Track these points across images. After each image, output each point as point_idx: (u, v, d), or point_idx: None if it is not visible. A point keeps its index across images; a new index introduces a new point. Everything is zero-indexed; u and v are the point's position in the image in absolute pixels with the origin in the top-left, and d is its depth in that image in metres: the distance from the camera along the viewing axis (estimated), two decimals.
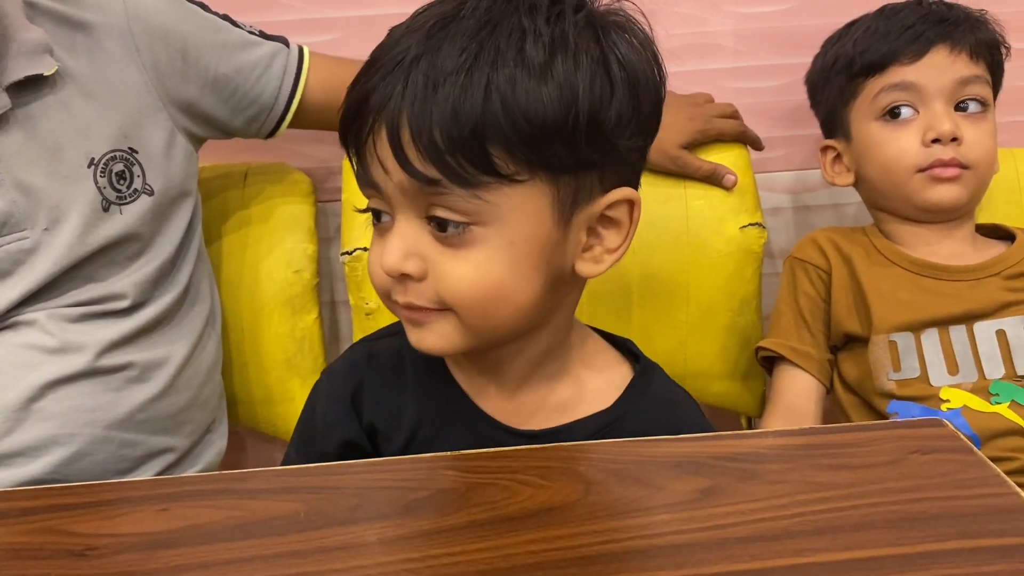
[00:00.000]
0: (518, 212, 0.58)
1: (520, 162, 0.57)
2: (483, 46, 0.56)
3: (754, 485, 0.57)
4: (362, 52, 1.09)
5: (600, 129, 0.58)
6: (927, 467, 0.59)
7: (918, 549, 0.51)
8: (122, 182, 0.95)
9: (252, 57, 1.02)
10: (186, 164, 1.02)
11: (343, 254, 1.09)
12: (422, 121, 0.56)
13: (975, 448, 0.60)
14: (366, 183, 0.61)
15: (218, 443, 1.09)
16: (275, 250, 1.14)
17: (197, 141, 1.04)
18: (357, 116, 0.59)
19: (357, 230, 1.09)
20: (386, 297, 0.63)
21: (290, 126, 1.08)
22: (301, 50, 1.06)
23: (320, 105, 1.07)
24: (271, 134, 1.07)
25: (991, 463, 0.59)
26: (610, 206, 0.62)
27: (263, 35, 1.05)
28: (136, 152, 0.96)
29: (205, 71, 0.99)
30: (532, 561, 0.50)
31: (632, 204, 0.62)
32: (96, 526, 0.57)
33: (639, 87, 0.60)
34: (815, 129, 1.13)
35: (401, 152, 0.57)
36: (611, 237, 0.63)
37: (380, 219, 0.62)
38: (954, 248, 1.02)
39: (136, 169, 0.96)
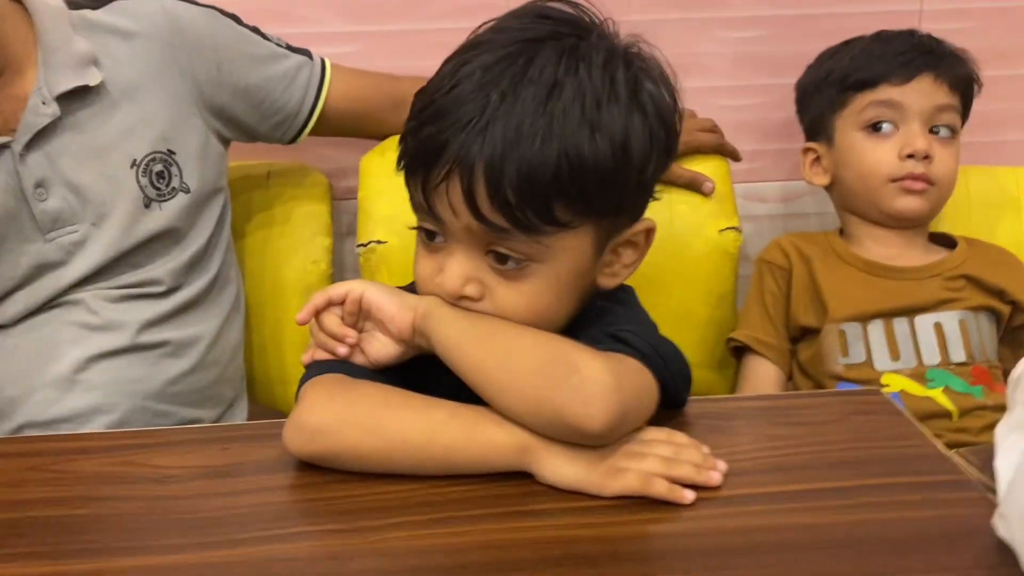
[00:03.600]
0: (568, 251, 0.65)
1: (576, 213, 0.64)
2: (553, 110, 0.61)
3: (723, 436, 0.68)
4: (379, 64, 1.23)
5: (644, 179, 0.67)
6: (863, 424, 0.70)
7: (850, 484, 0.63)
8: (161, 181, 1.05)
9: (280, 69, 1.13)
10: (218, 163, 1.12)
11: (359, 246, 1.19)
12: (498, 179, 0.61)
13: (904, 411, 0.72)
14: (428, 215, 0.66)
15: (239, 417, 1.19)
16: (295, 243, 1.24)
17: (226, 143, 1.14)
18: (430, 160, 0.63)
19: (371, 225, 1.19)
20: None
21: (311, 133, 1.18)
22: (323, 62, 1.17)
23: (340, 114, 1.18)
24: (293, 140, 1.18)
25: (917, 422, 0.71)
26: (634, 234, 0.70)
27: (290, 48, 1.15)
28: (174, 153, 1.06)
29: (237, 80, 1.09)
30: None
31: (649, 231, 0.71)
32: (170, 460, 0.68)
33: (672, 135, 0.68)
34: (799, 144, 1.25)
35: (474, 202, 0.62)
36: (628, 255, 0.71)
37: (433, 239, 0.67)
38: (905, 251, 1.16)
39: (174, 169, 1.06)
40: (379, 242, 1.18)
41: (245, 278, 1.23)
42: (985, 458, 0.65)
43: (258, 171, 1.28)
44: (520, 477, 0.63)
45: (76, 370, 1.02)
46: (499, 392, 0.63)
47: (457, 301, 0.67)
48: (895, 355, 1.09)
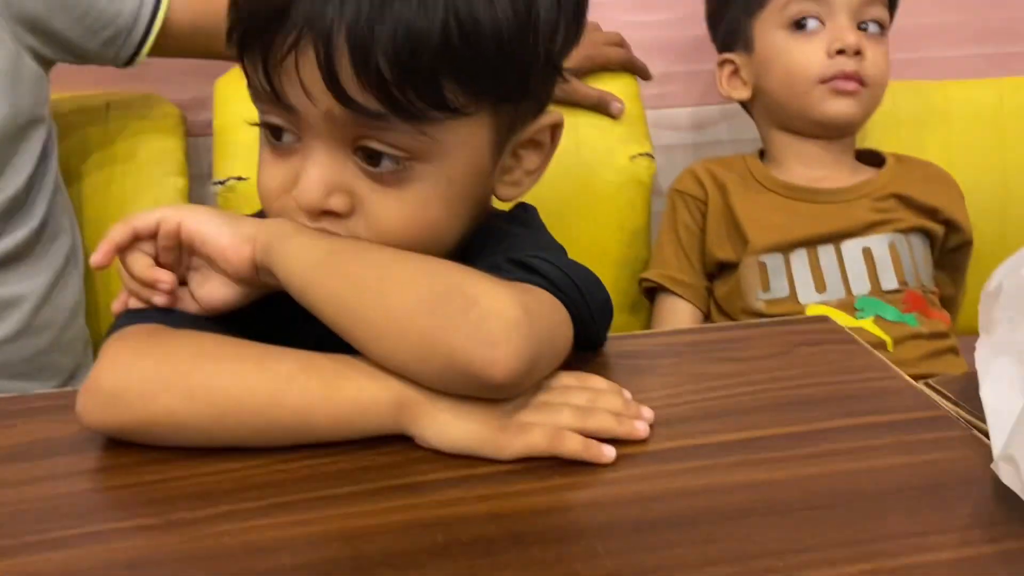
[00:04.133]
0: (461, 146, 0.52)
1: (471, 94, 0.50)
2: None
3: (647, 378, 0.56)
4: None
5: (550, 54, 0.54)
6: (814, 357, 0.59)
7: (808, 428, 0.51)
8: None
9: None
10: (35, 88, 0.94)
11: (215, 183, 1.03)
12: (367, 46, 0.48)
13: (859, 340, 0.61)
14: (273, 102, 0.51)
15: None
16: (142, 185, 1.08)
17: (46, 63, 0.95)
18: (269, 27, 0.49)
19: (230, 159, 1.03)
20: (280, 216, 0.54)
21: (152, 53, 1.00)
22: None
23: (186, 29, 1.00)
24: (130, 61, 0.99)
25: (875, 351, 0.59)
26: (538, 130, 0.57)
27: None
28: None
29: None
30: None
31: (556, 127, 0.58)
32: None
33: (580, 5, 0.55)
34: (710, 65, 1.14)
35: (335, 78, 0.48)
36: (531, 159, 0.58)
37: (281, 138, 0.53)
38: (831, 170, 1.06)
39: None
40: (239, 178, 1.02)
41: (84, 229, 1.05)
42: (959, 388, 0.54)
43: (95, 102, 1.11)
44: (392, 442, 0.49)
45: None
46: (374, 337, 0.48)
47: (318, 219, 0.52)
48: (821, 286, 1.00)
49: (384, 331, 0.48)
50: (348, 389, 0.48)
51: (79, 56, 0.97)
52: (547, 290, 0.50)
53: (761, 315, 0.99)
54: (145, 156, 1.08)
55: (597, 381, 0.52)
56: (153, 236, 0.54)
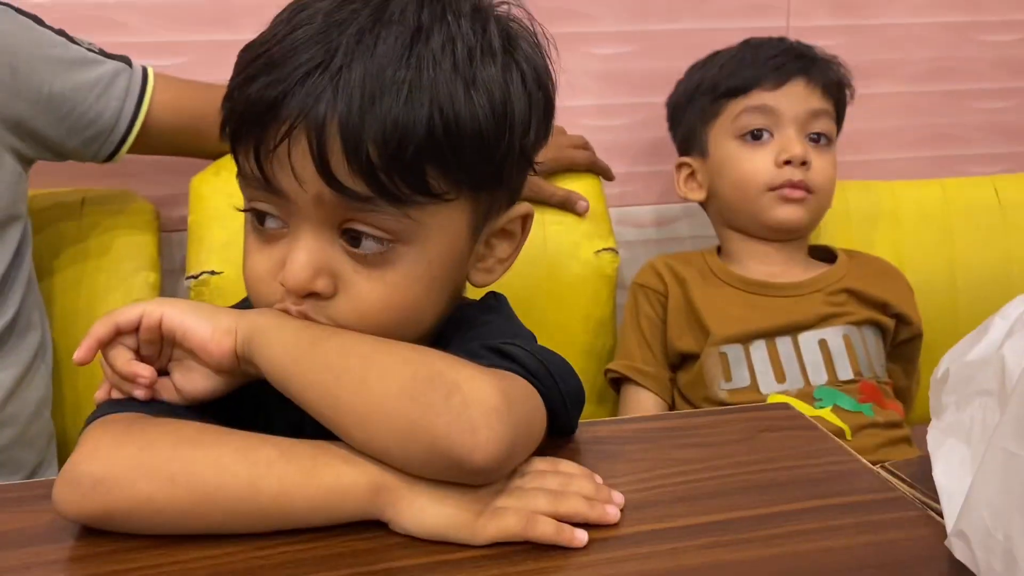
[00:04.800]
0: (440, 231, 0.54)
1: (451, 181, 0.53)
2: (421, 58, 0.51)
3: (617, 463, 0.57)
4: (212, 76, 1.09)
5: (523, 148, 0.57)
6: (776, 442, 0.61)
7: (773, 510, 0.52)
8: None
9: (91, 76, 0.97)
10: (14, 186, 0.95)
11: (188, 277, 1.04)
12: (357, 135, 0.50)
13: (819, 426, 0.63)
14: (263, 188, 0.53)
15: None
16: (114, 280, 1.08)
17: (26, 162, 0.97)
18: (263, 117, 0.51)
19: (204, 253, 1.04)
20: (269, 303, 0.56)
21: (132, 150, 1.03)
22: (145, 70, 1.02)
23: (165, 128, 1.03)
24: (110, 158, 1.02)
25: (834, 437, 0.61)
26: (510, 220, 0.60)
27: (103, 53, 1.01)
28: None
29: (39, 88, 0.94)
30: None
31: (526, 217, 0.61)
32: None
33: (550, 103, 0.59)
34: (669, 165, 1.19)
35: (326, 164, 0.50)
36: (503, 248, 0.60)
37: (265, 223, 0.55)
38: (785, 267, 1.11)
39: None
40: (213, 272, 1.03)
41: (53, 322, 1.05)
42: (913, 471, 0.56)
43: (71, 199, 1.12)
44: (368, 528, 0.50)
45: None
46: (356, 423, 0.49)
47: (302, 302, 0.54)
48: (780, 376, 1.02)
49: (366, 417, 0.49)
50: (326, 475, 0.49)
51: (59, 154, 0.99)
52: (522, 376, 0.52)
53: (724, 404, 1.01)
54: (118, 251, 1.09)
55: (569, 466, 0.53)
56: (135, 330, 0.55)
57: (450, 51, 0.52)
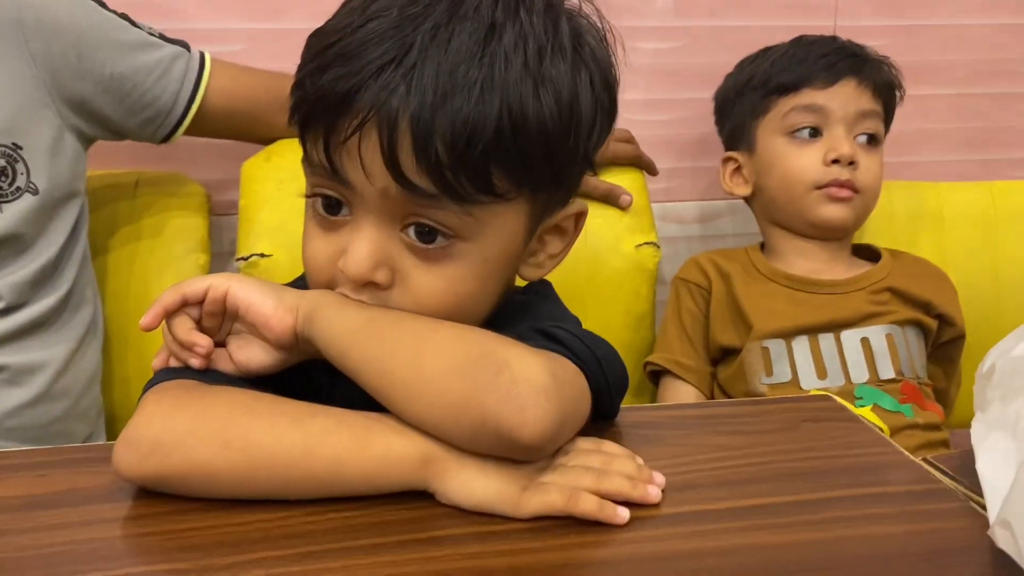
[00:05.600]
0: (499, 228, 0.55)
1: (514, 181, 0.54)
2: (494, 55, 0.51)
3: (658, 447, 0.58)
4: (269, 64, 1.11)
5: (586, 149, 0.57)
6: (817, 432, 0.61)
7: (813, 496, 0.53)
8: (3, 179, 0.91)
9: (151, 58, 1.00)
10: (74, 164, 0.98)
11: (238, 259, 1.06)
12: (428, 134, 0.50)
13: (861, 417, 0.63)
14: (331, 177, 0.54)
15: None
16: (165, 261, 1.10)
17: (87, 141, 1.00)
18: (335, 109, 0.52)
19: (253, 236, 1.07)
20: (325, 285, 0.57)
21: (187, 132, 1.05)
22: (203, 55, 1.05)
23: (220, 112, 1.05)
24: (166, 139, 1.05)
25: (876, 428, 0.62)
26: (564, 217, 0.60)
27: (163, 38, 1.03)
28: (20, 148, 0.92)
29: (101, 69, 0.96)
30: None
31: (580, 215, 0.61)
32: None
33: (614, 102, 0.59)
34: (716, 161, 1.19)
35: (395, 160, 0.51)
36: (554, 244, 0.61)
37: (335, 212, 0.56)
38: (829, 264, 1.10)
39: (20, 166, 0.92)
40: (262, 255, 1.05)
41: (105, 299, 1.08)
42: (956, 464, 0.56)
43: (125, 179, 1.15)
44: (416, 498, 0.51)
45: None
46: (409, 398, 0.51)
47: (361, 290, 0.55)
48: (821, 373, 1.02)
49: (419, 393, 0.50)
50: (377, 445, 0.50)
51: (118, 134, 1.02)
52: (569, 359, 0.53)
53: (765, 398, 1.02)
54: (170, 232, 1.12)
55: (612, 447, 0.54)
56: (200, 302, 0.56)
57: (522, 49, 0.52)
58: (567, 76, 0.54)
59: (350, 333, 0.53)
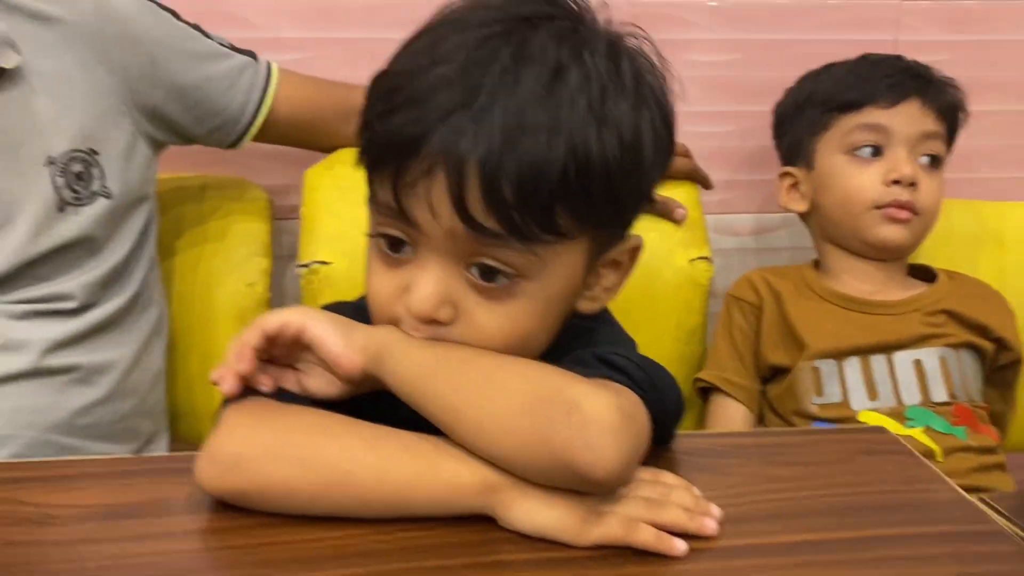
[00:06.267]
0: (561, 266, 0.56)
1: (578, 221, 0.54)
2: (560, 98, 0.52)
3: (713, 476, 0.59)
4: (329, 72, 1.14)
5: (647, 186, 0.58)
6: (872, 465, 0.62)
7: (867, 533, 0.54)
8: (80, 183, 0.95)
9: (221, 68, 1.03)
10: (145, 168, 1.01)
11: (299, 266, 1.09)
12: (496, 176, 0.51)
13: (916, 452, 0.64)
14: (398, 217, 0.55)
15: (158, 454, 1.07)
16: (230, 264, 1.13)
17: (158, 146, 1.03)
18: (404, 153, 0.53)
19: (315, 244, 1.09)
20: (387, 320, 0.59)
21: (253, 140, 1.08)
22: (270, 65, 1.08)
23: (286, 121, 1.08)
24: (233, 145, 1.08)
25: (931, 464, 0.62)
26: (621, 251, 0.61)
27: (233, 48, 1.06)
28: (97, 153, 0.95)
29: (174, 78, 1.00)
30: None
31: (636, 249, 0.62)
32: (57, 497, 0.56)
33: (673, 138, 0.59)
34: (772, 174, 1.19)
35: (463, 202, 0.52)
36: (610, 277, 0.62)
37: (399, 250, 0.57)
38: (884, 285, 1.10)
39: (96, 171, 0.95)
40: (323, 263, 1.08)
41: (171, 300, 1.11)
42: (1012, 505, 0.57)
43: (192, 183, 1.18)
44: (480, 521, 0.53)
45: None
46: (479, 436, 0.53)
47: (423, 326, 0.56)
48: (873, 394, 1.02)
49: (488, 430, 0.52)
50: (445, 471, 0.53)
51: (187, 139, 1.06)
52: (630, 388, 0.55)
53: (814, 418, 1.02)
54: (234, 236, 1.14)
55: (670, 477, 0.55)
56: (275, 336, 0.58)
57: (586, 90, 0.53)
58: (629, 116, 0.55)
59: (419, 373, 0.55)
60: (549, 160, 0.52)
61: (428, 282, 0.55)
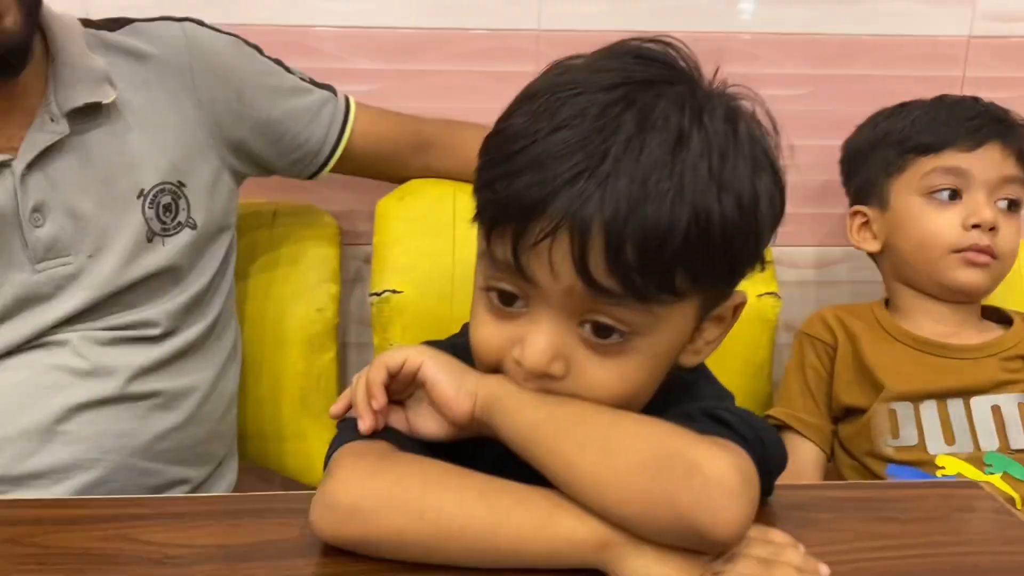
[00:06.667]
0: (673, 323, 0.57)
1: (693, 281, 0.55)
2: (684, 165, 0.53)
3: (814, 532, 0.59)
4: (399, 104, 1.16)
5: (760, 246, 0.59)
6: (971, 524, 0.62)
7: None
8: (168, 214, 0.97)
9: (303, 103, 1.05)
10: (228, 200, 1.04)
11: (372, 295, 1.10)
12: (620, 240, 0.52)
13: (1012, 509, 0.64)
14: (516, 275, 0.56)
15: (228, 477, 1.08)
16: (300, 289, 1.15)
17: (240, 178, 1.06)
18: (529, 214, 0.53)
19: (386, 272, 1.10)
20: (491, 369, 0.60)
21: (330, 171, 1.10)
22: (348, 100, 1.09)
23: (362, 153, 1.10)
24: (312, 176, 1.10)
25: (1006, 497, 0.62)
26: (726, 307, 0.61)
27: (313, 83, 1.08)
28: (184, 186, 0.97)
29: (258, 113, 1.02)
30: None
31: (740, 305, 0.62)
32: (171, 535, 0.57)
33: (784, 197, 0.60)
34: (837, 208, 1.19)
35: (585, 263, 0.53)
36: (712, 331, 0.62)
37: (512, 304, 0.58)
38: (959, 328, 1.09)
39: (182, 202, 0.98)
40: (394, 291, 1.09)
41: (244, 325, 1.13)
42: None
43: (264, 209, 1.20)
44: (591, 574, 0.54)
45: (57, 420, 0.91)
46: (597, 494, 0.54)
47: (535, 380, 0.57)
48: (949, 439, 1.01)
49: (607, 488, 0.53)
50: (560, 527, 0.54)
51: (268, 172, 1.08)
52: (739, 445, 0.55)
53: (890, 460, 1.01)
54: (305, 262, 1.16)
55: (778, 535, 0.56)
56: (395, 374, 0.60)
57: (707, 156, 0.54)
58: (747, 180, 0.55)
59: (532, 426, 0.56)
60: (673, 224, 0.52)
61: (542, 337, 0.56)
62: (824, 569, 0.54)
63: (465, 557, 0.54)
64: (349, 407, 0.63)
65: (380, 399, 0.59)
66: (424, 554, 0.54)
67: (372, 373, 0.60)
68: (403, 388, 0.61)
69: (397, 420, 0.62)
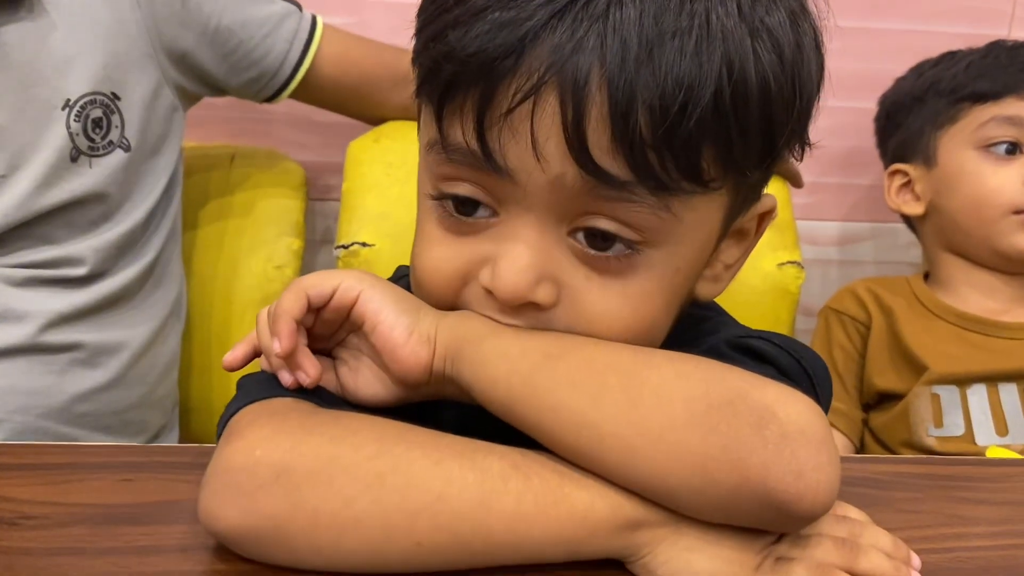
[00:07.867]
0: (695, 229, 0.42)
1: (724, 163, 0.41)
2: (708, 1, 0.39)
3: (887, 513, 0.46)
4: (382, 37, 1.02)
5: (804, 121, 0.44)
6: None
7: None
8: (97, 131, 0.84)
9: (261, 13, 0.93)
10: (169, 122, 0.91)
11: (338, 247, 0.97)
12: (630, 98, 0.38)
13: None
14: (479, 166, 0.41)
15: None
16: (256, 242, 1.03)
17: (186, 98, 0.93)
18: (494, 72, 0.39)
19: (356, 223, 0.98)
20: (446, 306, 0.44)
21: (292, 97, 0.98)
22: (315, 18, 0.97)
23: (329, 80, 0.97)
24: (269, 100, 0.97)
25: None
26: (751, 216, 0.47)
27: None
28: (118, 99, 0.85)
29: (207, 20, 0.89)
30: None
31: (767, 213, 0.48)
32: (36, 492, 0.43)
33: (823, 69, 0.45)
34: (864, 179, 1.08)
35: (582, 137, 0.38)
36: (731, 251, 0.48)
37: (472, 212, 0.42)
38: (1010, 304, 0.97)
39: (115, 119, 0.85)
40: (364, 244, 0.96)
41: (191, 282, 1.00)
42: None
43: (221, 152, 1.08)
44: (608, 568, 0.39)
45: None
46: (624, 459, 0.38)
47: (513, 314, 0.42)
48: (1002, 428, 0.89)
49: (640, 453, 0.38)
50: (576, 502, 0.38)
51: (219, 91, 0.95)
52: (782, 382, 0.40)
53: (931, 452, 0.89)
54: (263, 213, 1.04)
55: (853, 511, 0.42)
56: (320, 306, 0.44)
57: None
58: (788, 29, 0.41)
59: (523, 375, 0.40)
60: (700, 77, 0.38)
61: (522, 253, 0.40)
62: (915, 560, 0.40)
63: (441, 545, 0.38)
64: (253, 355, 0.46)
65: (286, 339, 0.42)
66: (383, 538, 0.38)
67: (285, 302, 0.43)
68: (330, 330, 0.45)
69: (324, 378, 0.45)
